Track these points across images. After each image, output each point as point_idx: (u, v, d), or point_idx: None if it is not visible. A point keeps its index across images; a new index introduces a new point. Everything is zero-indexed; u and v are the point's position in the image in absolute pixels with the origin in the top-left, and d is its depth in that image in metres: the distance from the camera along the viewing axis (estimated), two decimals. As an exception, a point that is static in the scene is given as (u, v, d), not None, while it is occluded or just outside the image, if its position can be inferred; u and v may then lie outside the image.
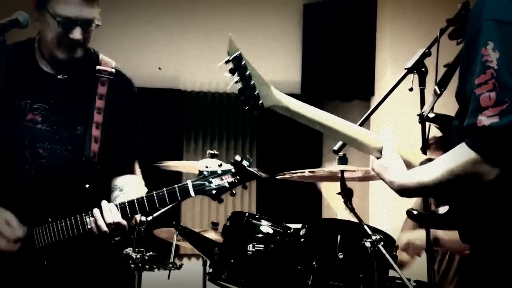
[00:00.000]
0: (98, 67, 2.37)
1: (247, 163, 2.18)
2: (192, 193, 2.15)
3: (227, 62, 1.56)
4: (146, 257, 3.22)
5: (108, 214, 2.16)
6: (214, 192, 2.16)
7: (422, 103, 2.53)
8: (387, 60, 5.12)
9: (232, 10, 5.72)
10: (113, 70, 2.38)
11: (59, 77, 2.33)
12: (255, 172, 2.19)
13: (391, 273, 2.82)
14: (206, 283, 3.58)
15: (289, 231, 2.88)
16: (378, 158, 1.71)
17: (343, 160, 2.93)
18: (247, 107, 1.58)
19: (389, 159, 1.68)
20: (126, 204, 2.18)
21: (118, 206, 2.18)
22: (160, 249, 3.36)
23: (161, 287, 3.53)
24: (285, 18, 5.79)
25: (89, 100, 2.34)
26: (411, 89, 2.47)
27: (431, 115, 1.86)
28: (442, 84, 2.25)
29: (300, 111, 1.65)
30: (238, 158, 2.18)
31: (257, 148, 5.76)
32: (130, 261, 3.18)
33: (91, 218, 2.17)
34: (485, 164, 1.44)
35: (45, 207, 2.24)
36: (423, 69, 2.49)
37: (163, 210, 2.84)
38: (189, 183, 2.16)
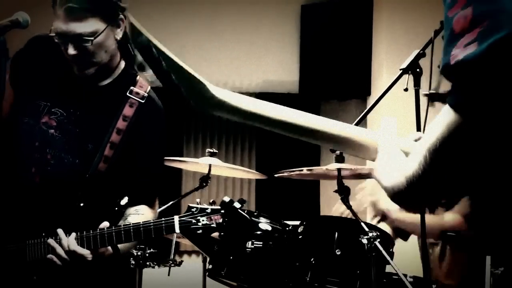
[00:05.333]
0: (132, 87, 2.24)
1: (239, 206, 2.07)
2: (177, 229, 2.02)
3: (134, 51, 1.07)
4: (147, 254, 3.23)
5: (65, 242, 2.04)
6: (199, 232, 2.03)
7: (418, 103, 2.56)
8: (383, 60, 5.15)
9: (231, 11, 5.75)
10: (146, 95, 2.25)
11: (86, 87, 2.22)
12: (246, 215, 2.08)
13: (388, 269, 2.84)
14: (206, 280, 3.59)
15: (287, 228, 2.89)
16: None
17: (340, 158, 2.96)
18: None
19: (383, 158, 1.22)
20: (91, 236, 2.05)
21: (84, 237, 2.05)
22: (160, 246, 3.37)
23: (162, 284, 3.55)
24: (283, 18, 5.82)
25: (111, 117, 2.21)
26: (406, 89, 2.50)
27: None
28: None
29: (262, 112, 1.17)
30: (226, 199, 2.06)
31: (257, 147, 5.79)
32: (131, 258, 3.19)
33: (50, 246, 2.06)
34: (469, 124, 0.98)
35: (40, 219, 2.15)
36: (417, 70, 2.51)
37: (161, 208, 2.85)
38: (176, 219, 2.03)
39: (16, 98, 2.24)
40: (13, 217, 2.18)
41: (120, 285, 2.41)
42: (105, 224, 2.06)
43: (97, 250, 2.06)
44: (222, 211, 2.03)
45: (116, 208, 2.19)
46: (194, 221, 2.02)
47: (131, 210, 2.21)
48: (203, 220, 2.01)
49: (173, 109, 5.71)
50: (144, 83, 2.27)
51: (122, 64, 2.27)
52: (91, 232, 2.05)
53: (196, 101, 1.13)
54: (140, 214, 2.20)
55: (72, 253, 2.04)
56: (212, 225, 2.01)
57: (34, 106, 2.21)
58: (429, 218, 3.35)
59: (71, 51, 2.09)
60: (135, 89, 2.24)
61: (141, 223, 2.04)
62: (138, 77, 2.27)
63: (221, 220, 2.02)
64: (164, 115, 2.34)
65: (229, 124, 5.81)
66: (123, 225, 2.06)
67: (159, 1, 5.70)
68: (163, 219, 2.03)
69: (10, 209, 2.19)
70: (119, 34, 2.15)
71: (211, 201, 2.14)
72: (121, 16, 2.14)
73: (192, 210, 2.04)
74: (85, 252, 2.04)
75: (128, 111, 2.21)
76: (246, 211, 2.99)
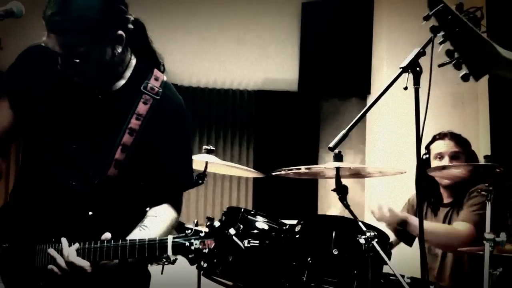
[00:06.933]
0: (146, 81, 2.12)
1: (234, 232, 1.91)
2: (169, 251, 1.92)
3: (427, 17, 1.14)
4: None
5: (66, 252, 1.96)
6: (191, 256, 1.92)
7: (417, 102, 2.54)
8: (383, 58, 5.14)
9: (231, 8, 5.73)
10: (160, 90, 2.12)
11: (99, 94, 2.11)
12: (240, 244, 1.90)
13: (385, 269, 2.83)
14: (200, 278, 3.58)
15: (284, 227, 2.88)
16: None
17: (339, 157, 2.94)
18: (462, 75, 1.17)
19: None
20: (89, 248, 1.97)
21: (82, 249, 1.97)
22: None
23: (155, 282, 3.51)
24: (284, 16, 5.80)
25: (124, 117, 2.08)
26: (405, 88, 2.49)
27: None
28: None
29: None
30: (216, 224, 1.92)
31: (254, 145, 5.77)
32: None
33: (51, 256, 1.99)
34: None
35: (54, 228, 2.07)
36: (417, 69, 2.50)
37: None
38: (170, 240, 1.93)
39: (20, 117, 2.13)
40: (31, 225, 2.11)
41: None
42: (106, 236, 1.98)
43: (97, 262, 1.98)
44: (215, 236, 1.92)
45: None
46: (187, 244, 1.93)
47: (151, 212, 2.12)
48: (196, 244, 1.93)
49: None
50: (159, 75, 2.15)
51: (133, 62, 2.16)
52: (89, 245, 1.98)
53: (484, 62, 1.11)
54: (157, 217, 2.11)
55: (71, 264, 1.96)
56: (204, 251, 1.91)
57: (49, 122, 2.10)
58: (442, 228, 3.33)
59: (59, 66, 2.01)
60: (150, 84, 2.12)
61: (137, 240, 1.96)
62: (154, 70, 2.16)
63: (213, 246, 1.91)
64: (184, 109, 2.22)
65: (227, 121, 5.79)
66: (121, 241, 1.97)
67: (160, 1, 5.68)
68: (157, 238, 1.95)
69: (30, 218, 2.12)
70: (118, 48, 2.04)
71: (210, 223, 1.95)
72: (120, 33, 2.03)
73: (187, 231, 1.95)
74: (85, 264, 1.96)
75: (142, 108, 2.09)
76: (243, 209, 2.98)
